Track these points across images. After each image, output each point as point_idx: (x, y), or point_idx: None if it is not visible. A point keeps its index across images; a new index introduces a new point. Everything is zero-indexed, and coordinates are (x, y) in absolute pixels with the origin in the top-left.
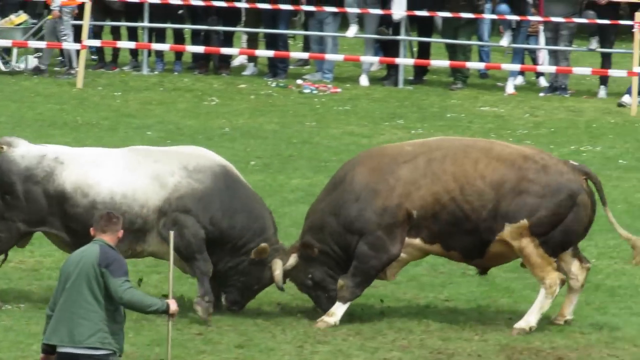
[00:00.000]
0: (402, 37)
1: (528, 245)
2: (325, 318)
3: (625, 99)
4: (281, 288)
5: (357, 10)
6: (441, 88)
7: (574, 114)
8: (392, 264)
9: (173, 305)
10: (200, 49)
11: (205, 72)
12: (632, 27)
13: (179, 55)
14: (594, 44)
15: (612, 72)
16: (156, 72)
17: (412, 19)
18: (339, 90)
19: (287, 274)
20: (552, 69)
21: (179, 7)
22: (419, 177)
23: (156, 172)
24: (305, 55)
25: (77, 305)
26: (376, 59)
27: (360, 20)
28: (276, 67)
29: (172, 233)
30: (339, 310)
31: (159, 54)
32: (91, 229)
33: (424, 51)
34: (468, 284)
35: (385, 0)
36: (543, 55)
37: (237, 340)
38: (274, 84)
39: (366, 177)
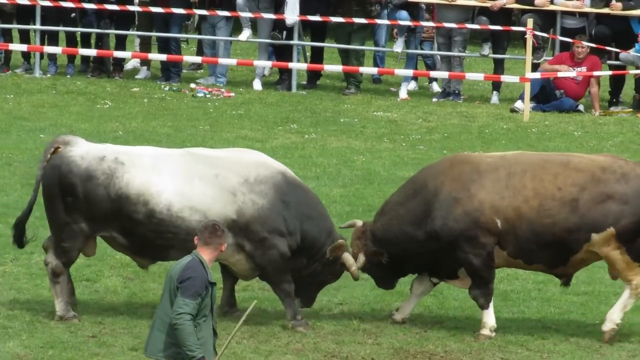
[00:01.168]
0: (295, 41)
1: (614, 253)
2: (482, 332)
3: (518, 104)
4: (357, 278)
5: (249, 15)
6: (334, 93)
7: (466, 119)
8: None
9: None
10: (93, 52)
11: (98, 75)
12: (524, 33)
13: (71, 58)
14: (486, 49)
15: (505, 78)
16: (49, 75)
17: (305, 24)
18: (232, 94)
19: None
20: (445, 74)
21: (71, 10)
22: (501, 188)
23: (219, 188)
24: (198, 59)
25: (158, 316)
26: (269, 63)
27: (253, 24)
28: (169, 71)
29: (254, 303)
30: (488, 317)
31: (52, 57)
32: (195, 237)
33: (317, 56)
34: (362, 287)
35: (278, 4)
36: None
37: (132, 342)
38: (167, 88)
39: (448, 186)
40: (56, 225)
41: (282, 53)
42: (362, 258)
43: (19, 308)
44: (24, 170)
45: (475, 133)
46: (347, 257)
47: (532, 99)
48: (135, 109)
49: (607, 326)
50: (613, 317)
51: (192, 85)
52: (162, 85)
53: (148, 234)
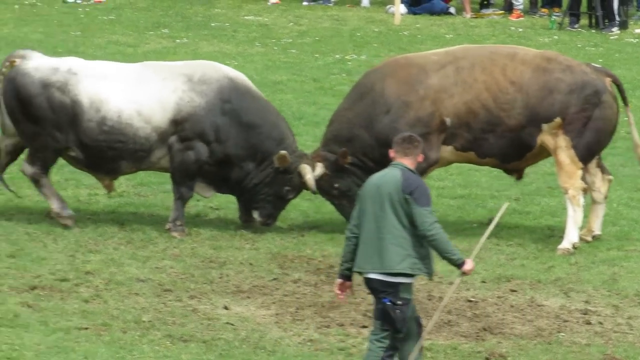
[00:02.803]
0: None
1: (561, 145)
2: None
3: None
4: (315, 191)
5: None
6: None
7: (338, 22)
8: None
9: (469, 265)
10: None
11: None
12: None
13: None
14: None
15: None
16: None
17: None
18: (102, 0)
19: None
20: None
21: None
22: (449, 85)
23: (161, 91)
24: None
25: (386, 231)
26: None
27: None
28: None
29: (505, 205)
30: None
31: None
32: (390, 150)
33: None
34: None
35: None
36: None
37: (9, 249)
38: None
39: (396, 89)
40: (26, 136)
41: None
42: (319, 167)
43: None
44: None
45: (347, 36)
46: (303, 167)
47: (404, 1)
48: (6, 15)
49: (564, 245)
50: (570, 237)
51: None
52: None
53: (101, 144)
